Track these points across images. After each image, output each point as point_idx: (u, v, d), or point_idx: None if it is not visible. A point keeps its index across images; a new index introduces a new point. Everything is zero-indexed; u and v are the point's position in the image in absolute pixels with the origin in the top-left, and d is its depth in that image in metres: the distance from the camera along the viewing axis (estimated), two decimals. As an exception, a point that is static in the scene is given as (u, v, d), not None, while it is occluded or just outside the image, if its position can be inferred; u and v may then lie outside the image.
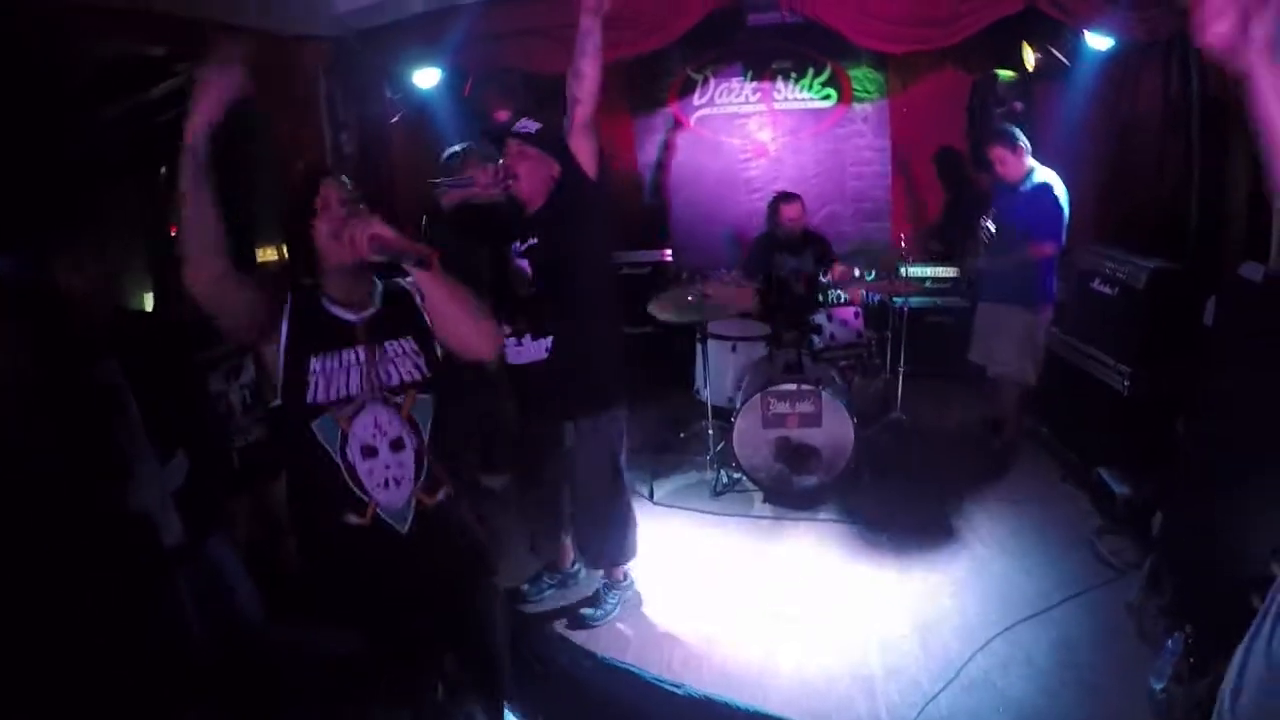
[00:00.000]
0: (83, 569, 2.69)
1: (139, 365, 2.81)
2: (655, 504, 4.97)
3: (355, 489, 2.40)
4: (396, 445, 2.42)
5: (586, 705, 3.46)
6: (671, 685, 3.40)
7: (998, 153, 4.93)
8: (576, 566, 4.10)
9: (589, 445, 3.58)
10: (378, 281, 2.53)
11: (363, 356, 2.40)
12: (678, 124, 7.52)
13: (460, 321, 2.43)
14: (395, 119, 6.02)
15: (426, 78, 5.79)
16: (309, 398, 2.35)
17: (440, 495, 2.52)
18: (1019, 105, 6.22)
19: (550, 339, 3.41)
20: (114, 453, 2.72)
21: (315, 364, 2.35)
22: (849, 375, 5.46)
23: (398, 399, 2.43)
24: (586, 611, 3.86)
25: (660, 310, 5.14)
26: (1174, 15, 4.47)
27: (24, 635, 2.57)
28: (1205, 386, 3.46)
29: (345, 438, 2.38)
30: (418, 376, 2.46)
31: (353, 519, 2.43)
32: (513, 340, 3.45)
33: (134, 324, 2.90)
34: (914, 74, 7.02)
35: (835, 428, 4.74)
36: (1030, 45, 6.01)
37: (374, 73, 5.70)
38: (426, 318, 2.53)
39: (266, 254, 7.91)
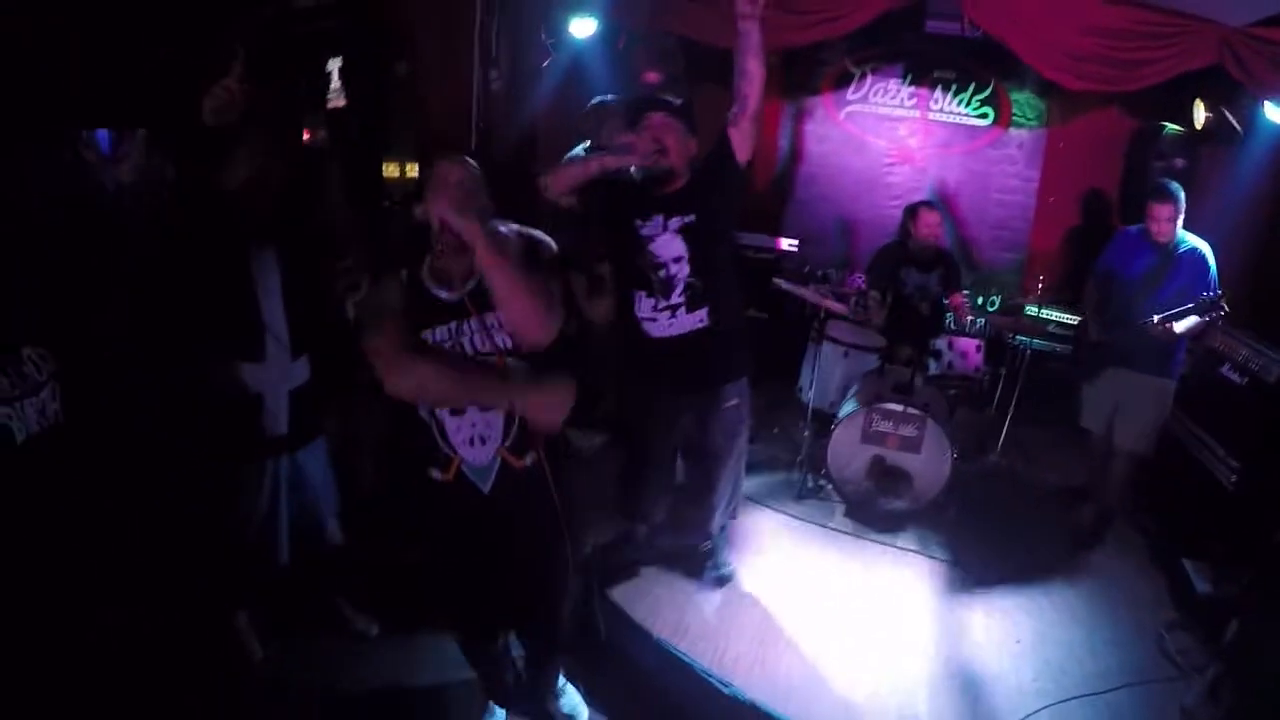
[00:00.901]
0: (197, 430, 2.94)
1: (291, 263, 2.98)
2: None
3: (442, 444, 2.53)
4: (485, 405, 2.54)
5: (635, 684, 3.54)
6: (720, 682, 3.43)
7: (1164, 211, 4.42)
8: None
9: (736, 407, 3.67)
10: None
11: (454, 329, 2.50)
12: (826, 115, 7.37)
13: (515, 303, 2.43)
14: (546, 64, 6.02)
15: (583, 27, 5.76)
16: None
17: (528, 460, 2.60)
18: (1180, 162, 6.00)
19: (705, 310, 3.46)
20: (257, 334, 2.93)
21: (426, 335, 2.49)
22: (954, 406, 5.36)
23: (489, 360, 2.52)
24: (725, 571, 4.12)
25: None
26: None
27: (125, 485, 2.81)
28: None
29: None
30: (507, 346, 2.53)
31: (436, 474, 2.57)
32: (665, 314, 3.46)
33: (288, 224, 3.06)
34: (1077, 109, 6.75)
35: (933, 458, 4.68)
36: (1203, 103, 5.76)
37: (532, 14, 5.73)
38: None
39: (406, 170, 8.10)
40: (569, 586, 2.87)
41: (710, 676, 3.49)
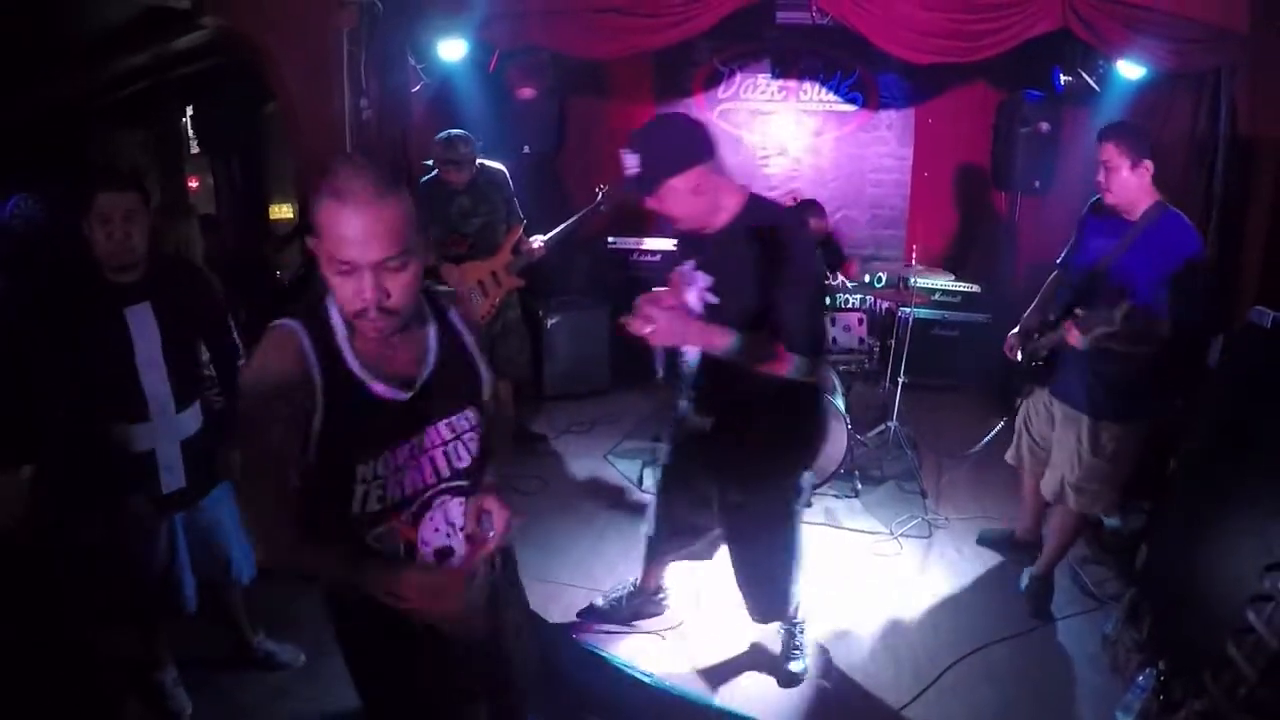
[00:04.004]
0: (84, 499, 2.78)
1: (169, 311, 2.80)
2: (644, 492, 4.95)
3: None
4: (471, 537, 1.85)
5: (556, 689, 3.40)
6: (641, 674, 3.39)
7: (1120, 157, 3.22)
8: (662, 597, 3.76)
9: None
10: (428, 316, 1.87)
11: (419, 445, 1.80)
12: (700, 115, 7.39)
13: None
14: (417, 89, 5.96)
15: (452, 49, 5.69)
16: (356, 508, 1.75)
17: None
18: (1045, 126, 6.19)
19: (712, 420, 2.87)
20: (135, 391, 2.75)
21: (363, 471, 1.73)
22: (848, 381, 5.39)
23: (464, 482, 1.89)
24: (794, 669, 3.35)
25: None
26: (1209, 50, 4.44)
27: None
28: (1201, 426, 3.45)
29: (411, 547, 1.83)
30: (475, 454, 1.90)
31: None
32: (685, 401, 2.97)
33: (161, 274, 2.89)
34: (942, 86, 6.99)
35: (830, 432, 4.62)
36: (1060, 67, 5.98)
37: (399, 40, 5.63)
38: (476, 358, 1.94)
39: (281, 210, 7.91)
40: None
41: (629, 670, 3.42)
